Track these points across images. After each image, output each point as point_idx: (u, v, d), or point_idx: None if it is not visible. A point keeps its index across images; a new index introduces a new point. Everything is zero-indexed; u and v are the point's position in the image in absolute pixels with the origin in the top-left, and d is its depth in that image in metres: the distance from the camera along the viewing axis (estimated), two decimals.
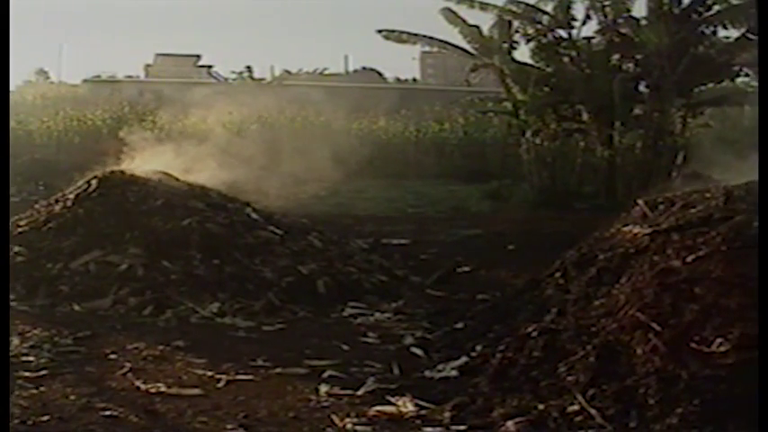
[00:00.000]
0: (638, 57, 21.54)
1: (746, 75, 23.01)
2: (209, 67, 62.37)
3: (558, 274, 9.34)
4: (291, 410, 7.34)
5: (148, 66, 61.82)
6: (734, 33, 21.05)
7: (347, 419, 7.07)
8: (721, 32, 21.20)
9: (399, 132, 31.89)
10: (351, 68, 74.57)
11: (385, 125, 32.53)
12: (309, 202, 17.89)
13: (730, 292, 7.37)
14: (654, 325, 7.24)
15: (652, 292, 7.69)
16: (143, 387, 7.86)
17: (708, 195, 9.07)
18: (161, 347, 9.20)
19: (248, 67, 48.24)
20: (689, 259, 7.94)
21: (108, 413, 7.07)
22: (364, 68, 72.33)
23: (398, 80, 67.77)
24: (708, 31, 21.06)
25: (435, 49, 26.75)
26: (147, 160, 14.29)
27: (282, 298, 11.38)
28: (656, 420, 6.43)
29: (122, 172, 13.54)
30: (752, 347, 6.76)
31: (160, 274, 11.50)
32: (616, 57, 21.97)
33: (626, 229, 9.20)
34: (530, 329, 8.10)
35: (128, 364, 8.56)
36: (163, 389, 7.82)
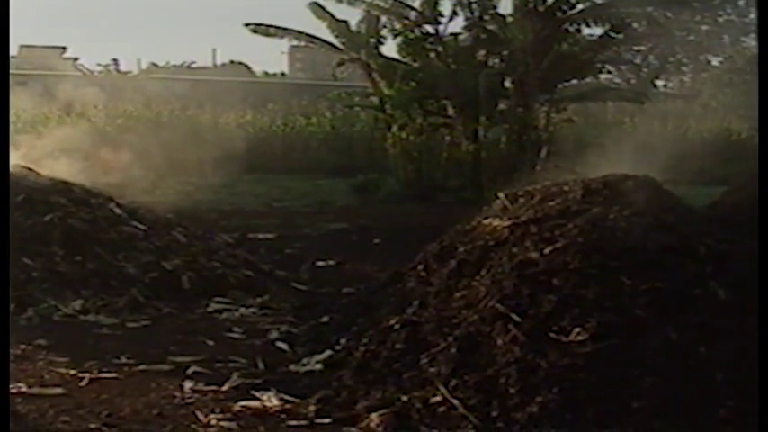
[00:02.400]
0: (504, 53, 21.86)
1: (609, 72, 23.62)
2: (75, 59, 61.46)
3: (420, 267, 9.41)
4: (155, 408, 7.27)
5: (12, 57, 60.49)
6: (597, 31, 21.61)
7: (212, 415, 7.04)
8: (585, 30, 21.72)
9: (266, 126, 31.82)
10: (219, 62, 74.44)
11: (252, 119, 32.39)
12: (174, 197, 17.69)
13: (587, 283, 7.56)
14: (513, 316, 7.38)
15: (511, 283, 7.83)
16: None
17: (566, 188, 9.22)
18: (23, 346, 8.94)
19: (114, 60, 47.71)
20: (547, 251, 8.10)
21: None
22: (232, 62, 72.27)
23: (267, 74, 67.71)
24: (572, 29, 21.51)
25: (303, 44, 26.74)
26: None
27: (146, 294, 11.21)
28: (516, 409, 6.57)
29: None
30: (608, 336, 6.97)
31: (21, 272, 11.20)
32: (482, 53, 22.27)
33: (486, 221, 9.31)
34: (392, 322, 8.17)
35: None
36: (24, 389, 7.64)
